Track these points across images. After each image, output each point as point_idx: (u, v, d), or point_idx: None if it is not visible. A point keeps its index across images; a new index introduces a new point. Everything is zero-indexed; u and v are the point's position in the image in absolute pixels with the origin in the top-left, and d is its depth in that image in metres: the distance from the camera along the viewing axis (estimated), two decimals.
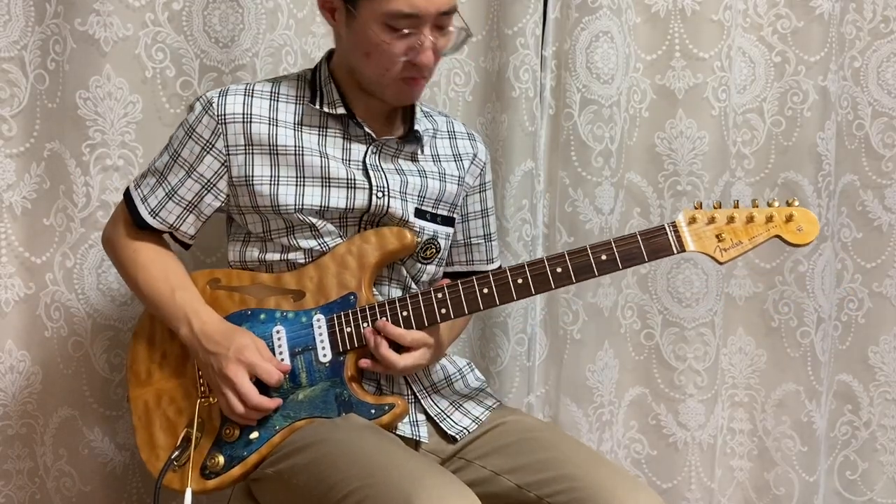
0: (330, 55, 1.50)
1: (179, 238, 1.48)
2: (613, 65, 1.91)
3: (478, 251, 1.61)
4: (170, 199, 1.43)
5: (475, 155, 1.58)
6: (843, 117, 2.06)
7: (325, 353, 1.38)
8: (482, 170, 1.59)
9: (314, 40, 1.82)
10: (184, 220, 1.45)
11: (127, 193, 1.47)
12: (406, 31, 1.33)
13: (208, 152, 1.41)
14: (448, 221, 1.52)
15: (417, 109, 1.52)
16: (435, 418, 1.46)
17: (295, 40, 1.79)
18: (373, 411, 1.36)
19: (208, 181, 1.42)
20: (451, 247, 1.59)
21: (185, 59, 1.72)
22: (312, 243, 1.42)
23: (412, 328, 1.38)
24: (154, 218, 1.44)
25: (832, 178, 2.04)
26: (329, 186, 1.41)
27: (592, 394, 1.99)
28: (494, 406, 1.52)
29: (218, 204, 1.44)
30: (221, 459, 1.36)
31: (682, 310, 2.01)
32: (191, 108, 1.45)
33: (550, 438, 1.39)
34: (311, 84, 1.47)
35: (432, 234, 1.49)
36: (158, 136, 1.69)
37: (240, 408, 1.34)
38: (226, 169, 1.42)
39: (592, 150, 1.92)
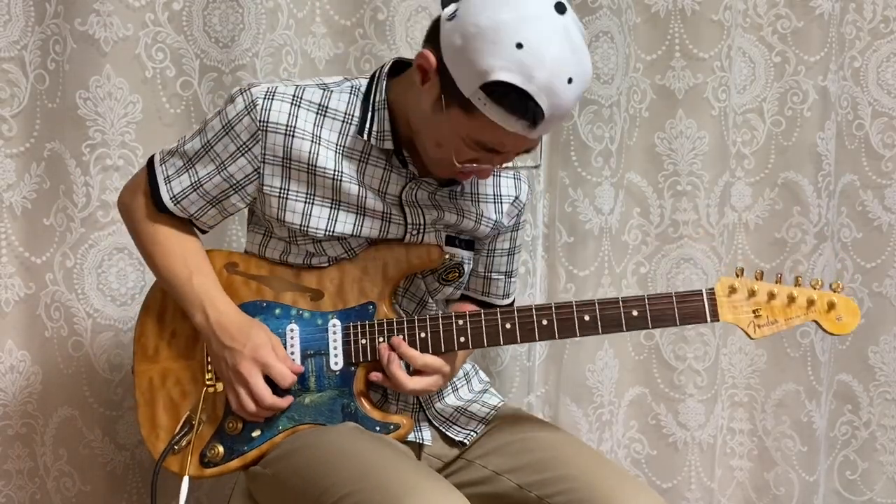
0: (393, 69, 1.36)
1: (198, 225, 1.42)
2: (613, 65, 1.91)
3: (495, 285, 1.55)
4: (194, 190, 1.36)
5: (516, 197, 1.48)
6: (843, 117, 2.06)
7: (336, 362, 1.37)
8: (520, 211, 1.51)
9: (314, 40, 1.82)
10: (205, 213, 1.39)
11: (150, 165, 1.40)
12: (482, 153, 1.27)
13: (243, 154, 1.33)
14: (469, 245, 1.47)
15: None
16: (441, 427, 1.45)
17: (295, 40, 1.79)
18: (377, 429, 1.35)
19: (237, 182, 1.35)
20: (470, 275, 1.53)
21: (185, 59, 1.72)
22: (339, 250, 1.38)
23: (429, 351, 1.35)
24: (176, 205, 1.37)
25: (832, 178, 2.04)
26: (364, 216, 1.36)
27: (592, 394, 1.99)
28: (499, 405, 1.51)
29: (243, 206, 1.39)
30: (221, 450, 1.36)
31: None
32: (232, 100, 1.34)
33: (551, 438, 1.39)
34: (363, 103, 1.35)
35: (460, 259, 1.45)
36: (158, 136, 1.69)
37: (251, 407, 1.32)
38: (258, 175, 1.34)
39: (592, 150, 1.92)
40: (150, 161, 1.40)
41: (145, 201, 1.40)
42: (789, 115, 2.01)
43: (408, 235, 1.38)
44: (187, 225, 1.41)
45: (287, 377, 1.33)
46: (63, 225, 1.70)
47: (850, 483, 2.15)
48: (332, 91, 1.36)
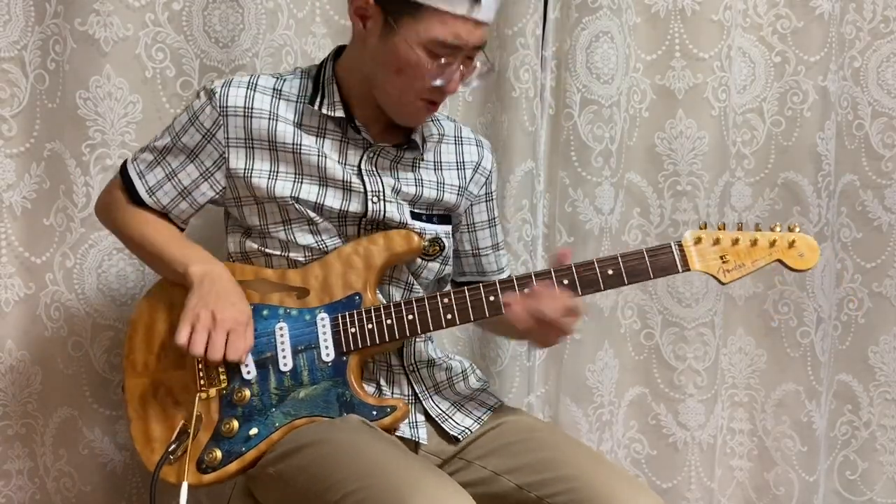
0: (337, 53, 1.48)
1: (173, 220, 1.48)
2: (613, 65, 1.91)
3: (487, 261, 1.60)
4: (169, 180, 1.44)
5: (478, 163, 1.55)
6: (843, 117, 2.06)
7: (328, 353, 1.38)
8: (487, 179, 1.57)
9: (314, 40, 1.82)
10: (177, 205, 1.45)
11: (123, 168, 1.47)
12: (443, 59, 1.34)
13: (209, 141, 1.42)
14: (444, 220, 1.52)
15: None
16: (436, 419, 1.45)
17: (295, 40, 1.79)
18: (374, 413, 1.36)
19: (207, 169, 1.43)
20: (460, 257, 1.58)
21: (185, 59, 1.72)
22: (310, 240, 1.42)
23: (417, 333, 1.38)
24: (151, 196, 1.44)
25: (832, 178, 2.04)
26: (326, 186, 1.41)
27: (592, 394, 1.99)
28: (496, 406, 1.52)
29: (212, 194, 1.44)
30: (219, 454, 1.36)
31: (681, 310, 2.01)
32: (197, 96, 1.45)
33: (551, 439, 1.39)
34: (314, 82, 1.46)
35: (434, 233, 1.49)
36: None
37: (200, 348, 1.32)
38: (224, 160, 1.42)
39: (592, 150, 1.92)
40: (123, 164, 1.48)
41: (121, 196, 1.47)
42: (789, 115, 2.01)
43: (369, 204, 1.42)
44: (164, 217, 1.48)
45: (239, 351, 1.35)
46: (63, 225, 1.70)
47: (850, 483, 2.15)
48: (284, 78, 1.47)
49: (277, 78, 1.46)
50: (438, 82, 1.36)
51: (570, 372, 1.98)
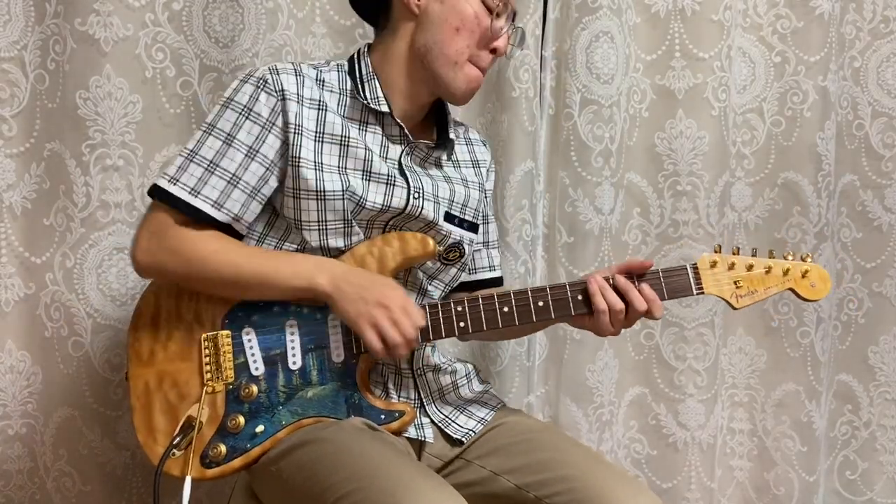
0: (367, 50, 1.48)
1: (237, 229, 1.38)
2: (613, 65, 1.91)
3: (480, 259, 1.61)
4: (234, 186, 1.34)
5: (488, 163, 1.61)
6: (843, 117, 2.06)
7: (338, 354, 1.38)
8: (487, 178, 1.61)
9: (314, 40, 1.82)
10: (247, 208, 1.36)
11: (162, 194, 1.34)
12: (497, 12, 1.42)
13: (269, 131, 1.35)
14: (473, 228, 1.52)
15: (450, 116, 1.53)
16: (440, 424, 1.45)
17: (295, 40, 1.79)
18: (383, 416, 1.36)
19: (272, 162, 1.36)
20: None
21: (185, 59, 1.72)
22: (341, 243, 1.39)
23: (429, 339, 1.38)
24: (219, 210, 1.34)
25: (832, 178, 2.04)
26: (370, 181, 1.40)
27: (592, 394, 1.99)
28: (498, 407, 1.52)
29: (276, 184, 1.38)
30: (224, 449, 1.35)
31: (681, 310, 2.01)
32: (238, 89, 1.36)
33: (550, 439, 1.39)
34: (350, 76, 1.44)
35: (458, 238, 1.48)
36: (158, 136, 1.69)
37: (400, 335, 1.30)
38: (286, 147, 1.36)
39: (592, 150, 1.92)
40: (156, 192, 1.35)
41: (180, 228, 1.34)
42: (789, 115, 2.01)
43: (411, 199, 1.41)
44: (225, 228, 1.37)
45: (421, 318, 1.33)
46: (63, 225, 1.71)
47: (850, 483, 2.15)
48: (321, 69, 1.44)
49: (316, 68, 1.43)
50: (502, 32, 1.43)
51: (570, 372, 1.98)
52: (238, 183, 1.35)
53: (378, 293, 1.31)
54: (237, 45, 1.73)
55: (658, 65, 1.97)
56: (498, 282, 1.63)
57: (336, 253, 1.39)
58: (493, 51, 1.44)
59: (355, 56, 1.47)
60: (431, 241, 1.41)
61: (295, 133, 1.36)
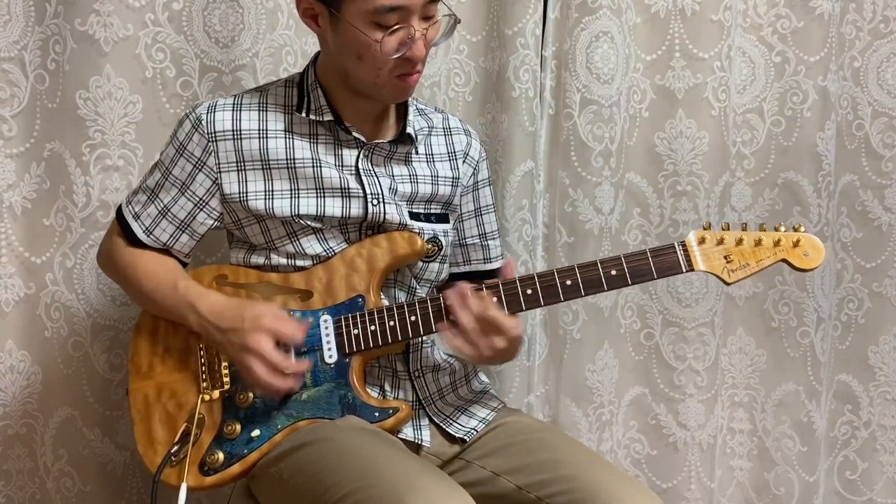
0: (316, 58, 1.47)
1: (175, 255, 1.47)
2: (613, 65, 1.91)
3: (474, 251, 1.60)
4: (163, 217, 1.43)
5: (467, 153, 1.56)
6: (842, 117, 2.06)
7: (330, 354, 1.38)
8: (475, 168, 1.58)
9: (314, 40, 1.81)
10: (176, 240, 1.44)
11: (119, 211, 1.47)
12: (395, 25, 1.30)
13: (200, 170, 1.40)
14: (442, 218, 1.52)
15: (411, 109, 1.49)
16: (441, 424, 1.45)
17: (295, 40, 1.79)
18: (377, 414, 1.36)
19: (200, 199, 1.41)
20: (453, 247, 1.58)
21: (185, 59, 1.72)
22: (318, 248, 1.42)
23: (420, 334, 1.38)
24: (148, 236, 1.44)
25: (832, 178, 2.04)
26: (324, 196, 1.40)
27: (592, 394, 1.99)
28: (499, 407, 1.52)
29: (211, 222, 1.43)
30: (221, 456, 1.36)
31: (681, 310, 2.01)
32: (180, 124, 1.43)
33: (550, 440, 1.39)
34: (298, 89, 1.44)
35: (432, 232, 1.49)
36: (158, 136, 1.69)
37: (274, 379, 1.31)
38: (217, 187, 1.40)
39: (592, 150, 1.92)
40: (119, 208, 1.48)
41: (121, 241, 1.46)
42: (789, 115, 2.01)
43: (369, 207, 1.41)
44: (165, 254, 1.46)
45: (297, 334, 1.34)
46: (63, 225, 1.71)
47: (850, 483, 2.15)
48: (267, 90, 1.45)
49: (261, 91, 1.45)
50: (398, 54, 1.32)
51: (569, 372, 1.98)
52: (166, 214, 1.43)
53: (244, 337, 1.32)
54: (237, 45, 1.73)
55: (658, 65, 1.97)
56: (494, 274, 1.61)
57: (324, 257, 1.41)
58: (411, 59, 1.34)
59: (306, 66, 1.47)
60: (419, 240, 1.42)
61: (238, 171, 1.39)
